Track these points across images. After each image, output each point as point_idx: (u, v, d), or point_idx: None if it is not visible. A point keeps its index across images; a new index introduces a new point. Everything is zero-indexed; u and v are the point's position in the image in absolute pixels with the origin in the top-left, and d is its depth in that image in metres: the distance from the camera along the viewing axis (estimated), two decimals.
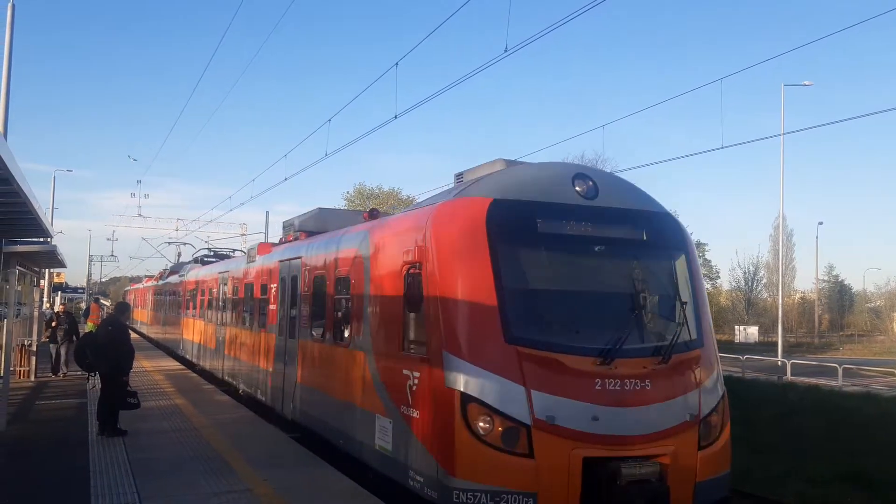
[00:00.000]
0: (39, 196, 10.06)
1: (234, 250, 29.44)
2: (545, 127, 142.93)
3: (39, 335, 26.18)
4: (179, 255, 39.64)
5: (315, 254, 12.82)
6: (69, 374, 21.96)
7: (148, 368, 24.31)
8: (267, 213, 30.27)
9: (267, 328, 15.45)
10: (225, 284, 20.60)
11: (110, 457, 11.08)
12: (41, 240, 14.65)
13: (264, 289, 15.81)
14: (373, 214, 12.27)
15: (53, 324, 22.78)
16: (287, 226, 16.13)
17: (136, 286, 54.88)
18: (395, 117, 14.92)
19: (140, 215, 55.75)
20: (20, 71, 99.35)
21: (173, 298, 32.96)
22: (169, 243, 41.98)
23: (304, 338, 13.03)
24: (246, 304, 17.65)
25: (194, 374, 23.36)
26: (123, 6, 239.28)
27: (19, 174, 7.37)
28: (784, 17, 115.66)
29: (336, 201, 67.43)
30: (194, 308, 26.31)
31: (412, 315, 8.80)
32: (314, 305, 12.64)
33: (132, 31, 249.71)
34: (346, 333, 10.96)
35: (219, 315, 21.41)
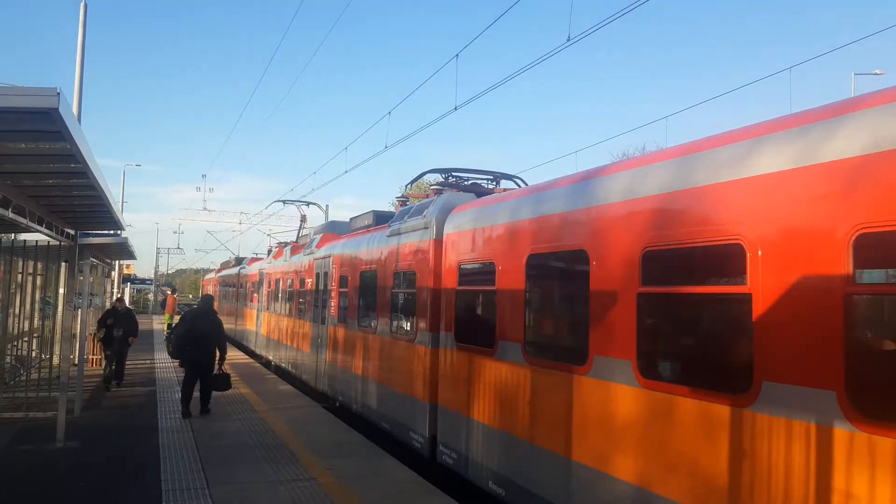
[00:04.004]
0: (110, 190, 10.35)
1: (494, 178, 12.71)
2: (607, 118, 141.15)
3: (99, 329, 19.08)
4: (304, 218, 28.37)
5: None
6: (118, 387, 17.70)
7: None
8: (326, 206, 27.62)
9: None
10: None
11: (179, 443, 11.40)
12: (113, 232, 15.09)
13: None
14: None
15: (109, 322, 17.89)
16: None
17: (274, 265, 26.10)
18: (455, 109, 14.83)
19: (205, 209, 57.02)
20: (92, 69, 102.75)
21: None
22: (284, 203, 29.78)
23: None
24: None
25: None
26: (187, 4, 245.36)
27: (95, 168, 7.61)
28: (855, 4, 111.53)
29: (394, 194, 67.71)
30: None
31: None
32: None
33: (196, 30, 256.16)
34: None
35: None
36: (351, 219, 17.11)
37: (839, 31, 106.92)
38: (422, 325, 10.92)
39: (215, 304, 15.77)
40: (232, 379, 15.32)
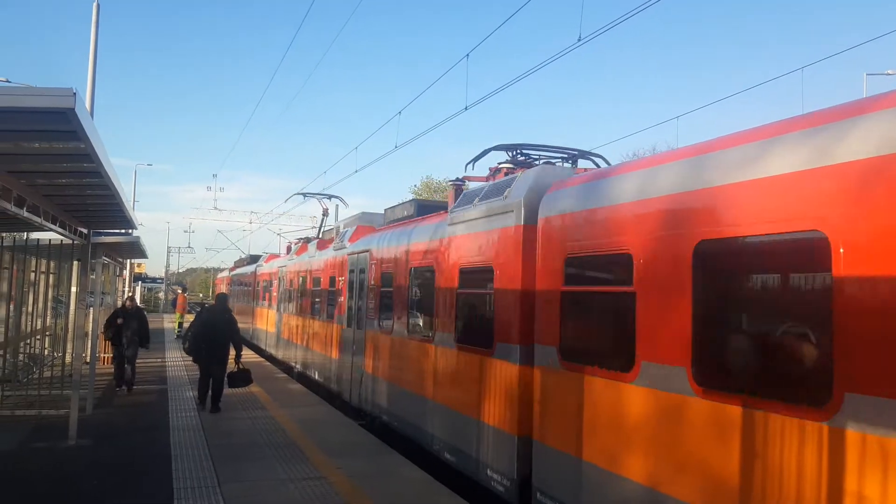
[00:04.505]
0: (123, 189, 10.41)
1: (570, 157, 10.69)
2: (618, 118, 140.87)
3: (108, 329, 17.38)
4: (326, 212, 25.22)
5: None
6: (135, 389, 16.95)
7: None
8: (336, 205, 26.80)
9: None
10: None
11: (190, 441, 11.45)
12: (125, 231, 15.17)
13: None
14: None
15: (119, 321, 16.92)
16: None
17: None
18: (466, 108, 14.85)
19: (216, 208, 57.32)
20: (103, 68, 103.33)
21: None
22: (305, 196, 26.53)
23: None
24: None
25: None
26: (197, 5, 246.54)
27: (109, 167, 7.66)
28: (867, 4, 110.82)
29: (404, 194, 67.94)
30: None
31: None
32: None
33: (206, 30, 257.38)
34: None
35: None
36: (385, 210, 15.74)
37: (851, 32, 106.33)
38: (503, 335, 8.67)
39: (228, 304, 15.86)
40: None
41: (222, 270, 61.56)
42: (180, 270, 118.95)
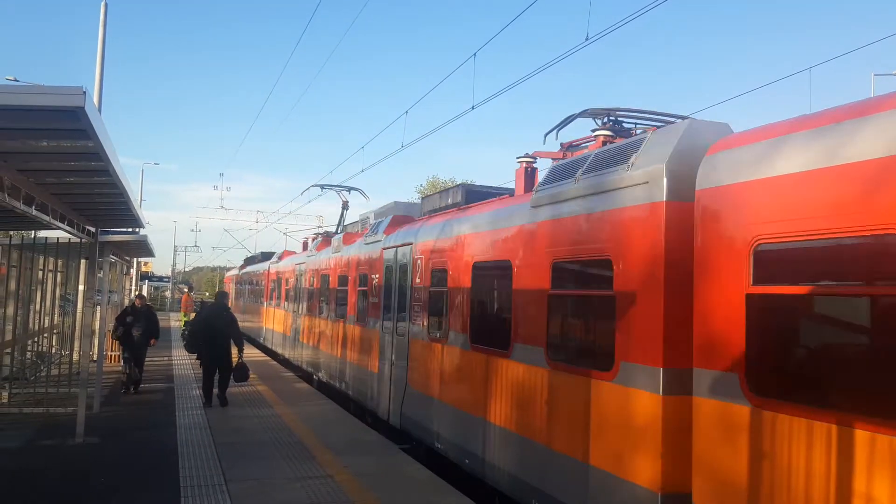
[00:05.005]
0: (132, 188, 10.45)
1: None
2: None
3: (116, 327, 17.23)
4: (346, 205, 23.47)
5: None
6: (141, 389, 16.58)
7: None
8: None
9: None
10: None
11: (197, 439, 11.47)
12: (133, 230, 15.23)
13: None
14: None
15: (128, 320, 16.55)
16: None
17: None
18: (473, 108, 14.88)
19: (222, 207, 57.47)
20: (110, 67, 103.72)
21: None
22: (322, 188, 24.17)
23: None
24: None
25: None
26: (204, 6, 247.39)
27: (118, 166, 7.68)
28: (875, 4, 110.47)
29: (410, 194, 67.99)
30: None
31: None
32: None
33: (214, 31, 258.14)
34: None
35: None
36: (423, 198, 14.31)
37: (857, 32, 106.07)
38: (633, 352, 6.52)
39: (231, 302, 16.00)
40: (250, 377, 15.95)
41: (229, 269, 61.48)
42: (187, 269, 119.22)
